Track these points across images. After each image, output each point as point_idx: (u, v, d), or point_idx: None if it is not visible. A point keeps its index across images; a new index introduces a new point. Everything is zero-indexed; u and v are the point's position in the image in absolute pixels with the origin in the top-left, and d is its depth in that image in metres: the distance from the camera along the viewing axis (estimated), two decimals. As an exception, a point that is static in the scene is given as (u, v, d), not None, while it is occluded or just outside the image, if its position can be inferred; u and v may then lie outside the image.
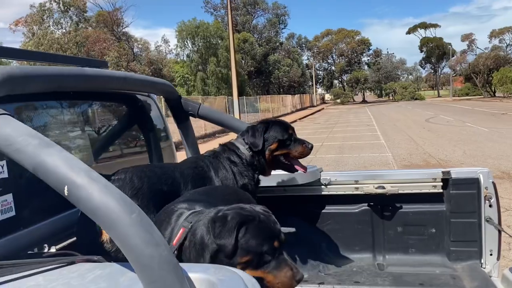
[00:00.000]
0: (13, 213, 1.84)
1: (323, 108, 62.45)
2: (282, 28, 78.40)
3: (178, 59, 53.20)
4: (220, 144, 2.86)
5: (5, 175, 1.84)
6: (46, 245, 2.09)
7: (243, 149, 2.74)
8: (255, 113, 37.46)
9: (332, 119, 37.80)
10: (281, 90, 72.18)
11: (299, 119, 38.67)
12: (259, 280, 1.48)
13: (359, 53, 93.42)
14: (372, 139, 19.80)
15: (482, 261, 3.03)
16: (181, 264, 1.30)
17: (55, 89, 2.02)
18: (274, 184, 3.36)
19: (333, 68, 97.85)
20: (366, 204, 3.36)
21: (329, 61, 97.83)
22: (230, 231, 1.53)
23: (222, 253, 1.54)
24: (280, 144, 2.77)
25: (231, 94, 28.04)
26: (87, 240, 2.08)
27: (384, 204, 3.31)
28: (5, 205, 1.81)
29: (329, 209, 3.44)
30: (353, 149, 16.59)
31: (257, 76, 66.13)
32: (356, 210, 3.38)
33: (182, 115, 3.33)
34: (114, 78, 2.57)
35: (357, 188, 3.30)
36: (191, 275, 1.29)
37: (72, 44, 39.09)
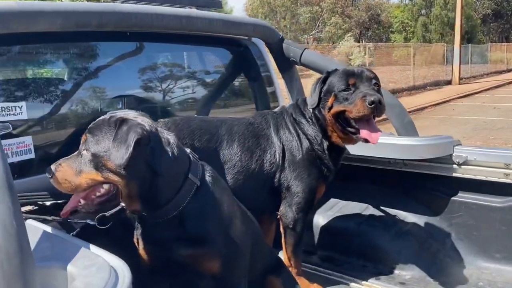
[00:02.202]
0: (32, 156, 1.85)
1: None
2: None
3: (400, 4, 49.34)
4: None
5: (24, 116, 1.85)
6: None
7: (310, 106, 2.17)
8: (484, 64, 31.97)
9: None
10: (527, 37, 59.57)
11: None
12: None
13: None
14: None
15: None
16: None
17: (69, 28, 1.90)
18: (391, 156, 2.64)
19: None
20: (519, 198, 2.35)
21: None
22: None
23: None
24: (336, 99, 2.06)
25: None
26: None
27: (549, 204, 2.25)
28: (22, 147, 1.82)
29: (462, 197, 2.55)
30: None
31: (494, 20, 55.90)
32: (502, 205, 2.42)
33: (285, 61, 2.89)
34: (181, 18, 2.32)
35: (507, 175, 2.31)
36: (43, 267, 1.04)
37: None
